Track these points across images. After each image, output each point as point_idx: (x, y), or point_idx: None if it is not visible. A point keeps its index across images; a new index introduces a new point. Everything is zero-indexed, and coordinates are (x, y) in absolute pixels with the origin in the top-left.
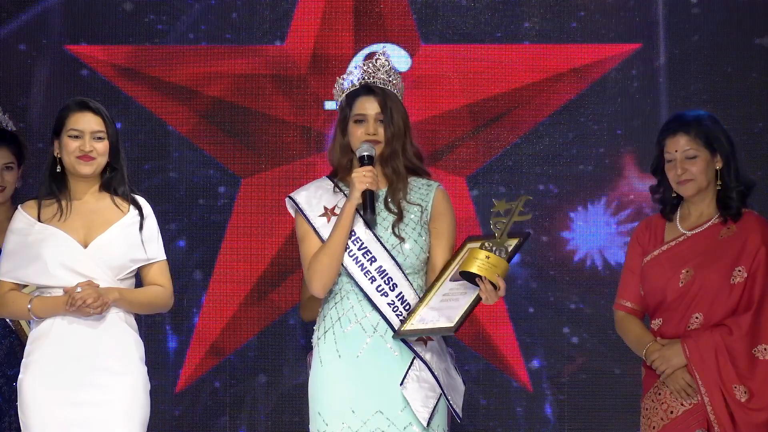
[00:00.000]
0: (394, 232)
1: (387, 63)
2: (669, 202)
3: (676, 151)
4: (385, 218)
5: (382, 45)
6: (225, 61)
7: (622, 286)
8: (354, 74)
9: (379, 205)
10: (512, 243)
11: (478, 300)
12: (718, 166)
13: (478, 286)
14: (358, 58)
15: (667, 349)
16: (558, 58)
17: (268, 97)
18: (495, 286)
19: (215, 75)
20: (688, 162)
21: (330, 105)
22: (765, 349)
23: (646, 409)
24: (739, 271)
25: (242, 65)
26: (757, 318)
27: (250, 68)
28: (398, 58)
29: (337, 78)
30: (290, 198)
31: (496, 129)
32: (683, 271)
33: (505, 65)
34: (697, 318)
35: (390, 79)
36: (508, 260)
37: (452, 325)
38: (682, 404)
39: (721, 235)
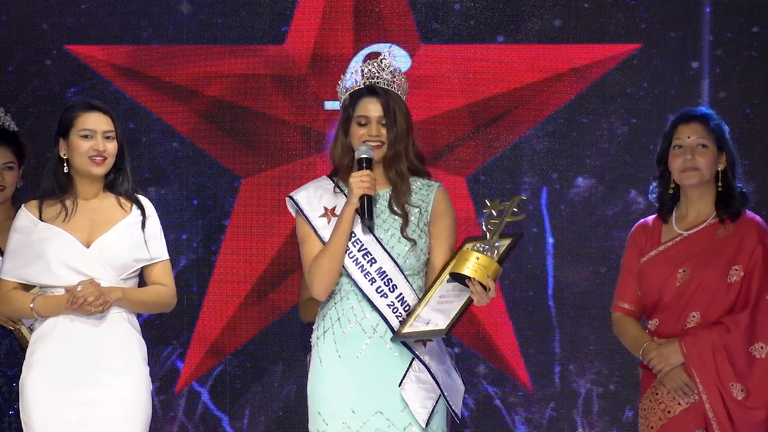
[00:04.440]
0: (404, 235)
1: (391, 63)
2: (665, 202)
3: (689, 137)
4: (385, 220)
5: (385, 45)
6: (225, 61)
7: (619, 288)
8: (358, 73)
9: (383, 208)
10: (505, 243)
11: (469, 302)
12: (721, 167)
13: (469, 287)
14: (359, 58)
15: (664, 348)
16: (558, 58)
17: (268, 97)
18: (486, 288)
19: (215, 75)
20: (698, 151)
21: (330, 105)
22: (762, 348)
23: (644, 409)
24: (736, 269)
25: (242, 65)
26: (754, 316)
27: (250, 68)
28: (398, 58)
29: (342, 75)
30: (290, 198)
31: (496, 129)
32: (680, 270)
33: (505, 65)
34: (694, 317)
35: (394, 79)
36: (501, 261)
37: (443, 327)
38: (679, 404)
39: (717, 234)
